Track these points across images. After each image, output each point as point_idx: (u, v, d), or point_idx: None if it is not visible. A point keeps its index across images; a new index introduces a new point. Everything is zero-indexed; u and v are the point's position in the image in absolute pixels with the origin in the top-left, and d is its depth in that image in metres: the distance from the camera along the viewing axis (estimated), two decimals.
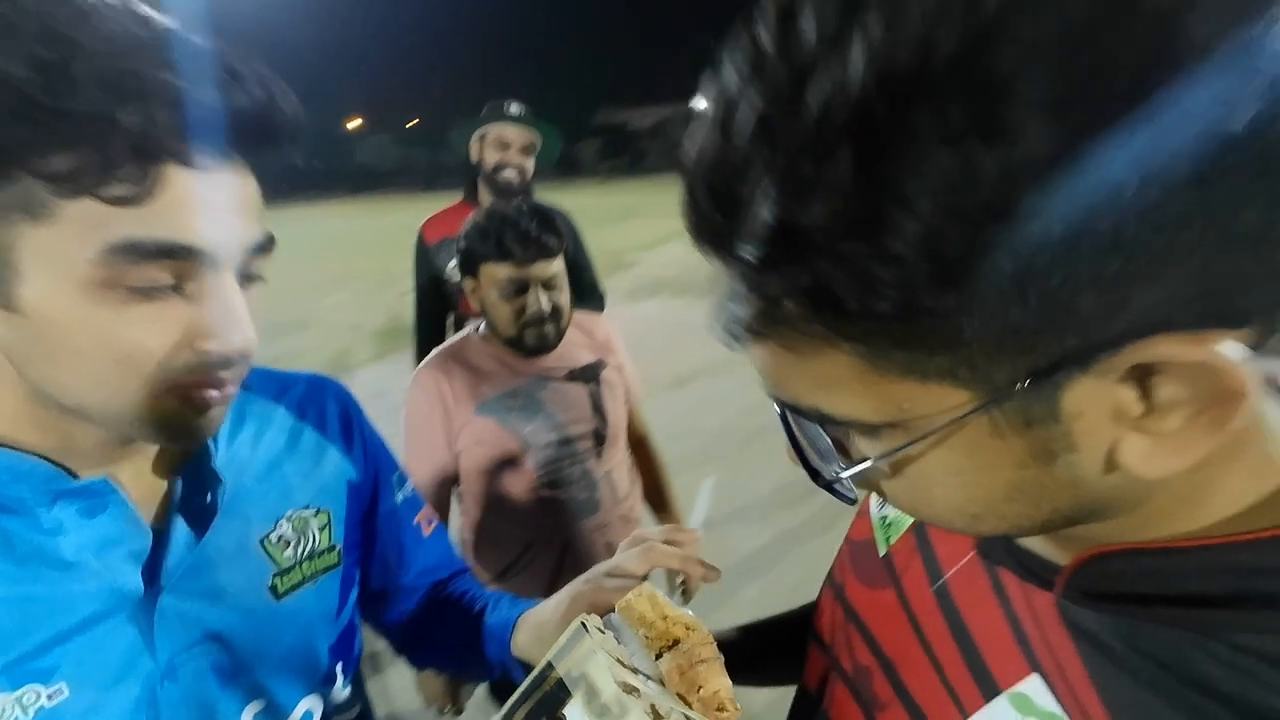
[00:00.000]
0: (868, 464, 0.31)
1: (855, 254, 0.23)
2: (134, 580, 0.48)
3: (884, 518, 0.53)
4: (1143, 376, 0.25)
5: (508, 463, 1.32)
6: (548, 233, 1.27)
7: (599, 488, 1.39)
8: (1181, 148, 0.20)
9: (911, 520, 0.50)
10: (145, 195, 0.38)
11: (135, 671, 0.47)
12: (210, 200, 0.40)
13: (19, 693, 0.43)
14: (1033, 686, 0.36)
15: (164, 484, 0.52)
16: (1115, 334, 0.24)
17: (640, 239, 11.45)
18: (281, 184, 0.48)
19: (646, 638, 0.47)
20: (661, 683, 0.45)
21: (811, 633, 0.58)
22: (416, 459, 1.32)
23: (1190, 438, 0.26)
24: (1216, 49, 0.20)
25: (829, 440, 0.33)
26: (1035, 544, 0.39)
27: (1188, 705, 0.30)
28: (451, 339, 1.43)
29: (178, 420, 0.44)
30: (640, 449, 1.56)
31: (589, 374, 1.41)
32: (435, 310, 2.09)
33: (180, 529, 0.51)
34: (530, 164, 2.06)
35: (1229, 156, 0.20)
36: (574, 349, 1.42)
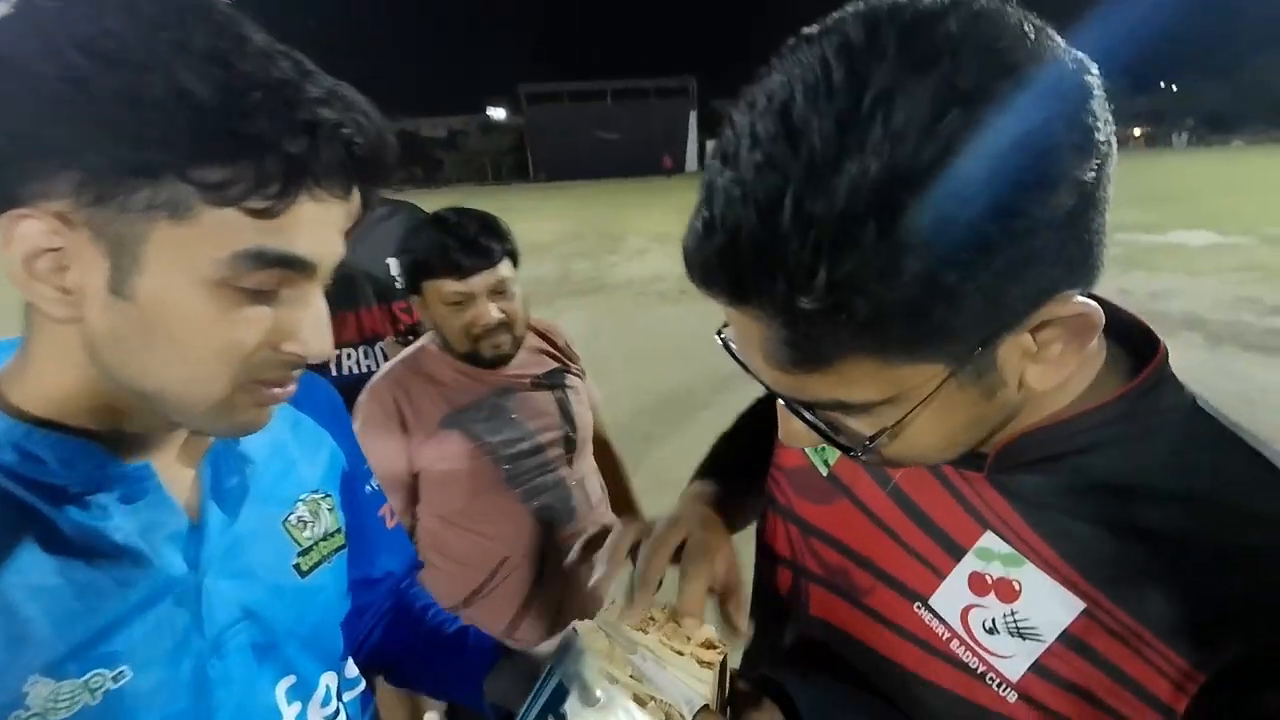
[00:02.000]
0: (885, 433, 0.41)
1: (880, 294, 0.33)
2: (178, 563, 0.50)
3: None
4: (1036, 327, 0.37)
5: (478, 476, 1.25)
6: (490, 238, 1.21)
7: (574, 495, 1.34)
8: (1033, 192, 0.33)
9: None
10: (281, 210, 0.42)
11: (189, 651, 0.49)
12: (324, 219, 0.45)
13: (87, 678, 0.44)
14: (988, 540, 0.47)
15: (192, 470, 0.54)
16: (1026, 307, 0.36)
17: None
18: None
19: (630, 625, 0.52)
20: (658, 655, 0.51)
21: (766, 552, 0.65)
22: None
23: (1065, 359, 0.39)
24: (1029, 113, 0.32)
25: (829, 424, 0.43)
26: None
27: (1085, 516, 0.43)
28: (405, 351, 1.35)
29: (242, 412, 0.47)
30: (604, 453, 1.51)
31: (554, 380, 1.37)
32: None
33: (214, 512, 0.53)
34: None
35: (1053, 185, 0.33)
36: (536, 355, 1.37)
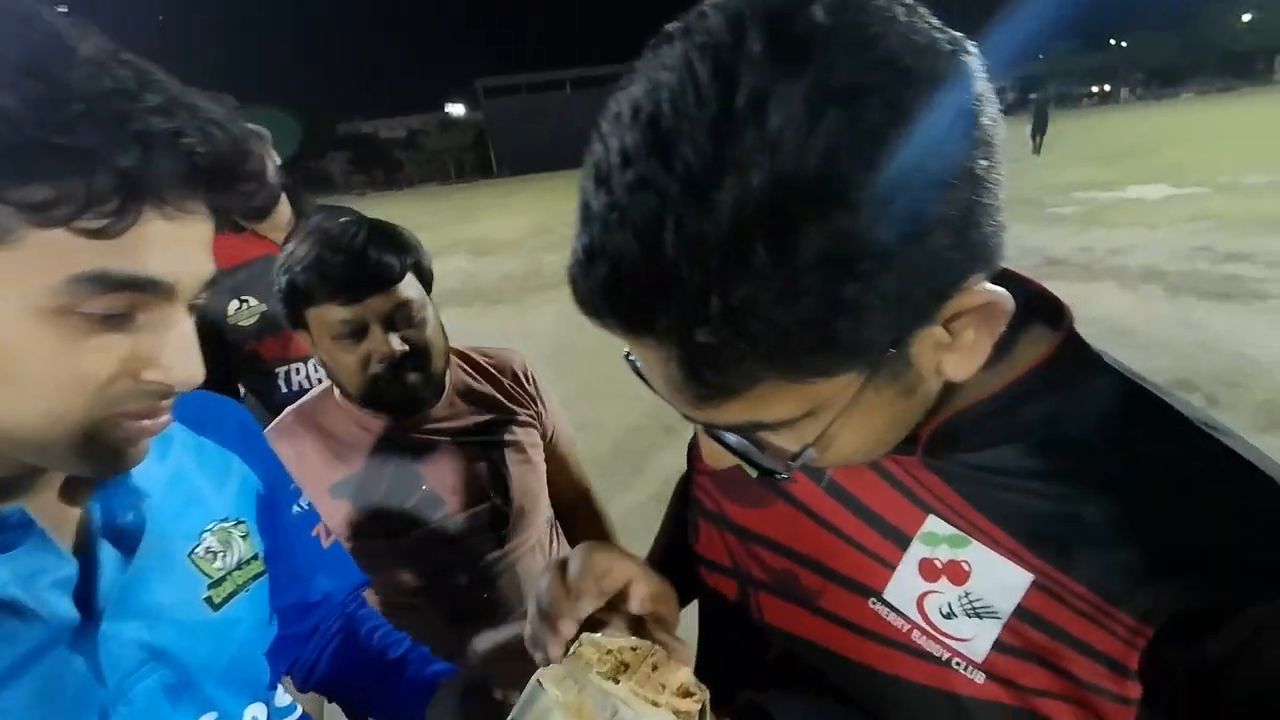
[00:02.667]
0: (810, 448, 0.39)
1: (779, 316, 0.31)
2: (68, 610, 0.47)
3: None
4: (947, 319, 0.36)
5: (374, 565, 0.92)
6: (384, 251, 0.92)
7: (503, 585, 1.03)
8: (927, 190, 0.31)
9: None
10: (121, 230, 0.39)
11: (89, 701, 0.47)
12: (177, 237, 0.42)
13: None
14: (932, 524, 0.46)
15: (77, 510, 0.51)
16: (933, 304, 0.35)
17: None
18: None
19: (600, 674, 0.49)
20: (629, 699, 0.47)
21: (704, 563, 0.62)
22: None
23: (979, 345, 0.38)
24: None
25: (756, 445, 0.41)
26: None
27: (1022, 489, 0.43)
28: (306, 397, 1.09)
29: (109, 449, 0.44)
30: (581, 512, 1.20)
31: (487, 434, 1.05)
32: (215, 366, 1.35)
33: (108, 552, 0.50)
34: (267, 163, 1.62)
35: (941, 186, 0.31)
36: (466, 403, 1.06)
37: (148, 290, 0.41)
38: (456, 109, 79.19)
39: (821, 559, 0.52)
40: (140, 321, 0.42)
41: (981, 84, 0.33)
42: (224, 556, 0.58)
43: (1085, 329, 0.46)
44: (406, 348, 0.94)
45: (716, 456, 0.45)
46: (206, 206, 0.44)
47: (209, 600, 0.55)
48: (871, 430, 0.41)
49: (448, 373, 1.05)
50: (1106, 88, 64.25)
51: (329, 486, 1.00)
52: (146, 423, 0.45)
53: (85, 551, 0.49)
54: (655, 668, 0.49)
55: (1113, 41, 74.58)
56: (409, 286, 0.95)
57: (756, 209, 0.29)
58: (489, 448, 1.05)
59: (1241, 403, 3.29)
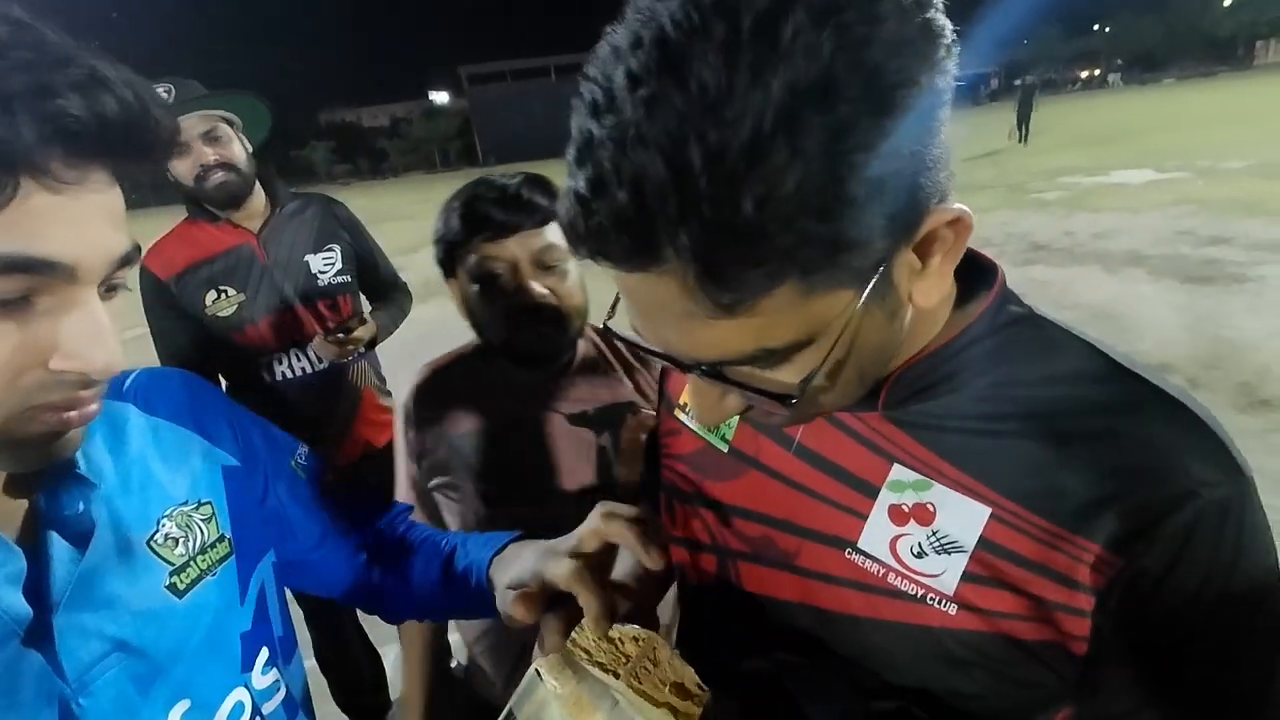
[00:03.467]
0: (818, 369, 0.40)
1: (798, 215, 0.33)
2: (18, 604, 0.45)
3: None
4: (919, 244, 0.40)
5: (462, 523, 0.96)
6: (534, 192, 0.92)
7: None
8: (922, 94, 0.34)
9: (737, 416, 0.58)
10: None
11: (48, 693, 0.45)
12: (71, 212, 0.38)
13: None
14: (897, 472, 0.50)
15: (24, 502, 0.49)
16: (915, 216, 0.38)
17: (399, 244, 10.05)
18: None
19: (600, 665, 0.48)
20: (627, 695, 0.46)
21: (683, 543, 0.65)
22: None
23: (944, 269, 0.42)
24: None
25: (753, 390, 0.42)
26: None
27: (974, 431, 0.47)
28: (449, 351, 1.09)
29: (33, 444, 0.42)
30: None
31: (605, 418, 0.99)
32: (196, 359, 1.59)
33: (58, 544, 0.48)
34: (237, 150, 1.58)
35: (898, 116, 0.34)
36: (605, 377, 1.02)
37: (41, 271, 0.38)
38: (440, 96, 78.34)
39: (796, 520, 0.55)
40: (41, 307, 0.39)
41: (950, 42, 0.37)
42: (185, 542, 0.56)
43: (1070, 313, 0.50)
44: (548, 293, 0.94)
45: (709, 411, 0.46)
46: (109, 176, 0.41)
47: (172, 587, 0.54)
48: (859, 361, 0.43)
49: (583, 343, 1.04)
50: (1094, 73, 64.43)
51: (450, 436, 1.00)
52: (69, 414, 0.42)
53: (36, 545, 0.48)
54: (656, 662, 0.48)
55: (1096, 27, 74.90)
56: (555, 232, 0.94)
57: (775, 116, 0.31)
58: (601, 435, 1.00)
59: (1220, 384, 3.35)
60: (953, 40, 0.37)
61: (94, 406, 0.44)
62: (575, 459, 0.99)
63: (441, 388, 1.04)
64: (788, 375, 0.41)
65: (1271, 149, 9.97)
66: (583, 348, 1.06)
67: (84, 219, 0.39)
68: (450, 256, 0.97)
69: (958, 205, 0.40)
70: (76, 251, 0.39)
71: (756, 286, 0.35)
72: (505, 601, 0.62)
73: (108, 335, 0.41)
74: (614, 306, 0.46)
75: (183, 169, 1.55)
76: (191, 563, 0.56)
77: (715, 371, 0.42)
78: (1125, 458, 0.42)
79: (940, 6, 0.36)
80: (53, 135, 0.36)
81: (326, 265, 1.75)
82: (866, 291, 0.38)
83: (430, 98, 79.45)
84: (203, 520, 0.59)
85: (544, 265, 0.94)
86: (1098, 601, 0.42)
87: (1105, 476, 0.42)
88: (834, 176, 0.33)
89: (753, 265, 0.34)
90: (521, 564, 0.63)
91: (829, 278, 0.36)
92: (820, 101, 0.32)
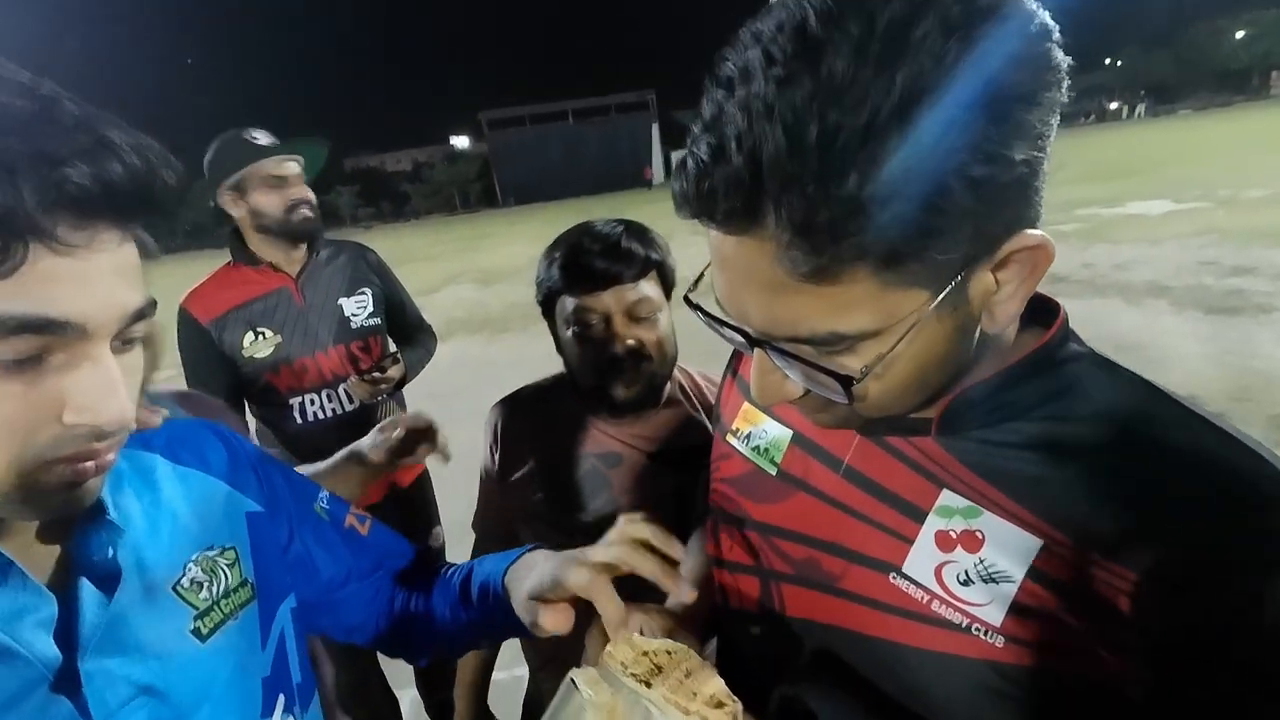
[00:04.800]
0: (881, 359, 0.42)
1: (894, 202, 0.36)
2: (50, 649, 0.46)
3: (757, 448, 0.64)
4: (998, 264, 0.41)
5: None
6: (631, 243, 0.95)
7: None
8: (1031, 110, 0.38)
9: (787, 439, 0.62)
10: (9, 270, 0.37)
11: None
12: (80, 272, 0.40)
13: None
14: (946, 498, 0.50)
15: (56, 548, 0.51)
16: (1001, 235, 0.40)
17: (421, 284, 11.29)
18: None
19: (634, 675, 0.49)
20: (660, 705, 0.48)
21: (725, 566, 0.65)
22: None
23: (1018, 294, 0.43)
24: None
25: (812, 368, 0.44)
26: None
27: (1029, 461, 0.47)
28: (547, 378, 1.14)
29: (51, 494, 0.43)
30: None
31: (684, 461, 0.98)
32: (229, 398, 1.65)
33: (88, 590, 0.49)
34: (310, 191, 1.75)
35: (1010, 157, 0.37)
36: (687, 419, 1.04)
37: (52, 331, 0.39)
38: (461, 141, 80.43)
39: (842, 542, 0.55)
40: (54, 364, 0.40)
41: (1059, 47, 0.39)
42: (210, 586, 0.58)
43: (1094, 346, 0.50)
44: (636, 343, 0.97)
45: (771, 389, 0.48)
46: (120, 234, 0.42)
47: (196, 631, 0.55)
48: (923, 364, 0.44)
49: (669, 384, 1.07)
50: (1111, 105, 64.61)
51: (534, 466, 1.03)
52: (85, 465, 0.43)
53: (66, 590, 0.49)
54: (689, 673, 0.49)
55: (1108, 61, 75.38)
56: (650, 285, 0.98)
57: (892, 106, 0.35)
58: (679, 475, 1.00)
59: (1253, 417, 3.27)
60: (1066, 74, 0.39)
61: (110, 456, 0.45)
62: (654, 497, 1.01)
63: (529, 415, 1.08)
64: (852, 362, 0.43)
65: None
66: (668, 389, 1.08)
67: (93, 278, 0.40)
68: (549, 301, 1.02)
69: (1040, 233, 0.41)
70: (86, 310, 0.40)
71: (842, 257, 0.38)
72: (530, 610, 0.63)
73: (119, 389, 0.42)
74: (698, 280, 0.50)
75: (274, 203, 1.67)
76: (215, 607, 0.57)
77: (784, 349, 0.44)
78: (1183, 497, 0.42)
79: (1060, 42, 0.39)
80: (58, 201, 0.38)
81: (359, 308, 1.83)
82: (941, 297, 0.40)
83: (451, 143, 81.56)
84: (227, 565, 0.60)
85: (637, 317, 0.97)
86: (1152, 645, 0.41)
87: (1162, 516, 0.42)
88: (938, 170, 0.35)
89: (844, 236, 0.37)
90: (539, 573, 0.63)
91: (908, 273, 0.39)
92: (936, 100, 0.35)
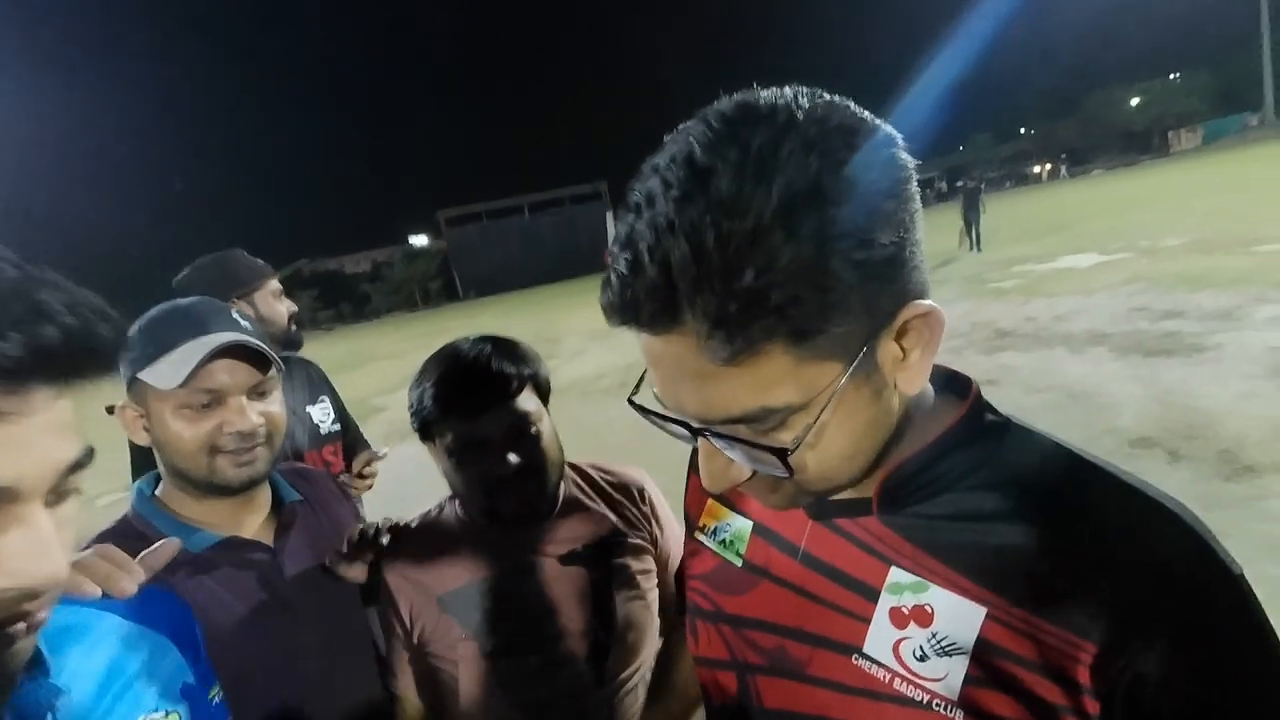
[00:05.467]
0: (810, 428, 0.46)
1: (790, 284, 0.41)
2: None
3: (723, 541, 0.67)
4: (899, 334, 0.46)
5: (473, 681, 0.95)
6: (501, 363, 0.96)
7: None
8: (900, 205, 0.45)
9: (749, 530, 0.65)
10: None
11: None
12: (10, 435, 0.38)
13: None
14: (895, 575, 0.52)
15: None
16: (895, 306, 0.45)
17: (382, 383, 11.61)
18: None
19: None
20: None
21: (705, 663, 0.66)
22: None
23: (924, 362, 0.48)
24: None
25: (750, 447, 0.47)
26: (841, 496, 0.55)
27: (968, 533, 0.49)
28: (432, 507, 1.12)
29: None
30: (671, 644, 1.07)
31: (591, 557, 1.01)
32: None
33: None
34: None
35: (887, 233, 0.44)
36: (586, 516, 1.04)
37: None
38: (419, 239, 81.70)
39: (805, 626, 0.57)
40: None
41: (911, 170, 0.47)
42: None
43: (1045, 395, 0.56)
44: (521, 461, 0.95)
45: (717, 473, 0.51)
46: (55, 392, 0.41)
47: None
48: (851, 431, 0.48)
49: (561, 486, 1.05)
50: (1034, 169, 69.10)
51: (438, 597, 0.99)
52: (17, 626, 0.42)
53: None
54: None
55: (1022, 130, 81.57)
56: (526, 400, 0.98)
57: (773, 211, 0.40)
58: (594, 571, 1.01)
59: (1202, 454, 3.38)
60: (913, 169, 0.47)
61: (42, 615, 0.44)
62: (574, 599, 0.99)
63: (423, 550, 1.04)
64: (785, 437, 0.46)
65: (1203, 226, 10.66)
66: (563, 489, 1.07)
67: (25, 441, 0.39)
68: (426, 429, 1.00)
69: (929, 302, 0.46)
70: (17, 472, 0.39)
71: (754, 339, 0.42)
72: None
73: (51, 548, 0.41)
74: (638, 384, 0.54)
75: (280, 313, 1.87)
76: None
77: (722, 433, 0.48)
78: (1112, 559, 0.44)
79: (903, 144, 0.47)
80: (4, 368, 0.37)
81: (325, 415, 1.93)
82: (853, 366, 0.45)
83: (410, 242, 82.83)
84: None
85: (518, 434, 0.96)
86: (1103, 706, 0.42)
87: (1095, 577, 0.44)
88: (819, 256, 0.41)
89: (751, 321, 0.41)
90: None
91: (817, 347, 0.43)
92: (809, 202, 0.41)
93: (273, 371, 0.99)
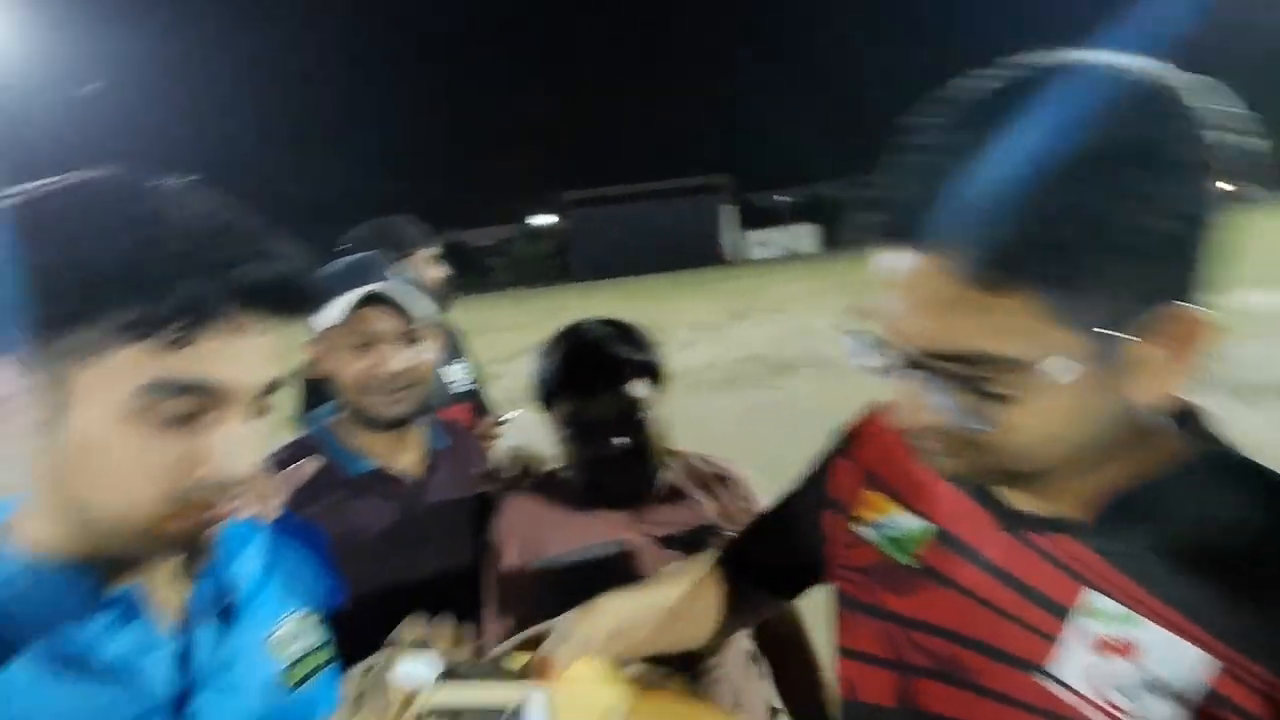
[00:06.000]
0: (1029, 389, 0.44)
1: (1080, 246, 0.41)
2: (166, 680, 0.53)
3: (889, 538, 0.64)
4: (1155, 332, 0.43)
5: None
6: (621, 348, 1.01)
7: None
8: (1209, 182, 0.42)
9: (921, 531, 0.62)
10: (184, 344, 0.46)
11: None
12: (237, 349, 0.49)
13: None
14: (1093, 598, 0.49)
15: (181, 591, 0.58)
16: (1167, 296, 0.43)
17: (500, 352, 11.32)
18: None
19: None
20: None
21: (849, 655, 0.65)
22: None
23: (1169, 372, 0.44)
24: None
25: (969, 387, 0.46)
26: (1037, 508, 0.54)
27: (1199, 573, 0.46)
28: (542, 475, 1.18)
29: (178, 536, 0.50)
30: (791, 650, 1.08)
31: (687, 542, 1.02)
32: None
33: (204, 632, 0.57)
34: None
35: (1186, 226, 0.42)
36: (688, 502, 1.07)
37: (210, 394, 0.48)
38: (542, 219, 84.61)
39: (983, 638, 0.55)
40: (202, 423, 0.49)
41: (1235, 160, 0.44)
42: (297, 642, 0.66)
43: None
44: (626, 444, 1.01)
45: (917, 411, 0.50)
46: (270, 321, 0.51)
47: (285, 681, 0.62)
48: (1065, 412, 0.46)
49: (662, 472, 1.10)
50: None
51: (535, 561, 1.05)
52: (208, 514, 0.51)
53: (185, 630, 0.56)
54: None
55: None
56: (639, 386, 1.03)
57: (1080, 156, 0.41)
58: (689, 556, 0.98)
59: None
60: (1228, 163, 0.43)
61: (229, 507, 0.52)
62: None
63: (539, 505, 1.11)
64: (997, 388, 0.45)
65: None
66: (669, 475, 1.12)
67: (245, 355, 0.50)
68: (547, 400, 1.08)
69: (1199, 309, 0.43)
70: (237, 380, 0.49)
71: (1019, 271, 0.42)
72: None
73: (247, 450, 0.51)
74: (854, 318, 0.54)
75: (434, 276, 2.08)
76: (302, 661, 0.65)
77: (944, 368, 0.47)
78: None
79: (1237, 126, 0.44)
80: (234, 294, 0.48)
81: (460, 374, 2.10)
82: (1096, 346, 0.43)
83: (531, 221, 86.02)
84: (312, 625, 0.69)
85: (627, 418, 1.01)
86: None
87: None
88: (1106, 211, 0.40)
89: (1024, 253, 0.42)
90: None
91: (1074, 309, 0.42)
92: (1115, 154, 0.41)
93: (422, 321, 1.08)
